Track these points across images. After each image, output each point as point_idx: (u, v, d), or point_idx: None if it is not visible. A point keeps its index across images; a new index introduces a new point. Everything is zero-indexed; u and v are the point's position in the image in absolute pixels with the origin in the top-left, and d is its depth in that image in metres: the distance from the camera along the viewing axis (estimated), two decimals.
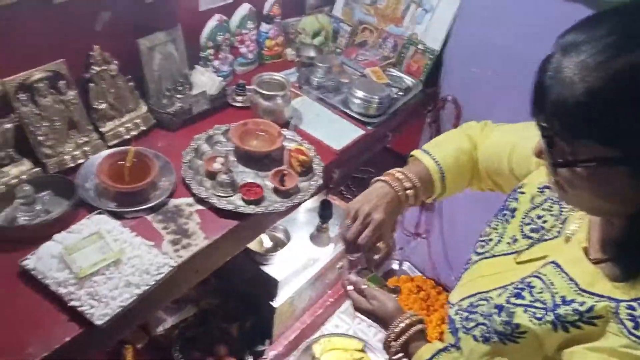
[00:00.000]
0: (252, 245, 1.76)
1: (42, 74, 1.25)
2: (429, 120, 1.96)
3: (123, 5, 1.35)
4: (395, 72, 1.83)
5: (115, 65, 1.38)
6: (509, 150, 1.06)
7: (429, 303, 2.17)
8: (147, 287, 1.06)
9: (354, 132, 1.59)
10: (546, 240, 0.88)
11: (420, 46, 1.81)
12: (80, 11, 1.26)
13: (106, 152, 1.34)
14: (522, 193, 0.96)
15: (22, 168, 1.23)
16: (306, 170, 1.41)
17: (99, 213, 1.19)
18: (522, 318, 0.78)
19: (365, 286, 1.07)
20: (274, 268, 1.73)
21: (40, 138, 1.26)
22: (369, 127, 1.63)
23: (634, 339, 0.67)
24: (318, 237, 1.65)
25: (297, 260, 1.79)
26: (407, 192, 1.10)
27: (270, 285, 1.72)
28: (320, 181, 1.39)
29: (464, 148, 1.15)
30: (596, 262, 0.76)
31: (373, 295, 1.05)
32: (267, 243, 1.81)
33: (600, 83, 0.61)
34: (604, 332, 0.70)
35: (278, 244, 1.82)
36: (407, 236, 2.28)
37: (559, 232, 0.87)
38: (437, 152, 1.14)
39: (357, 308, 1.07)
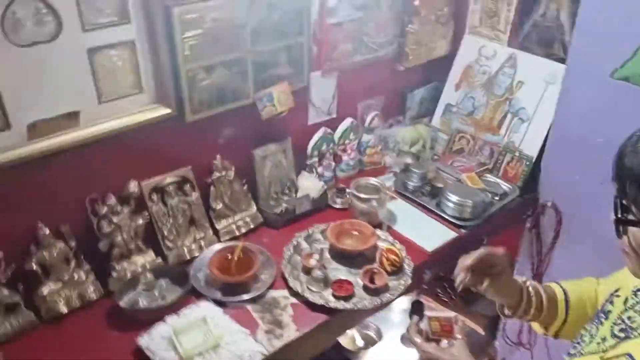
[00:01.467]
0: (344, 342, 1.80)
1: (173, 178, 1.49)
2: (529, 226, 1.93)
3: (242, 122, 1.59)
4: (491, 178, 1.87)
5: (233, 171, 1.60)
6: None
7: None
8: None
9: (447, 235, 1.63)
10: (630, 338, 0.88)
11: (517, 153, 1.85)
12: (207, 127, 1.51)
13: (218, 245, 1.52)
14: (618, 296, 0.99)
15: (147, 258, 1.44)
16: (397, 270, 1.46)
17: (206, 300, 1.34)
18: None
19: None
20: None
21: (165, 232, 1.47)
22: (463, 230, 1.66)
23: None
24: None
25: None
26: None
27: None
28: (410, 281, 1.43)
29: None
30: None
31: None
32: (359, 341, 1.84)
33: None
34: None
35: (369, 342, 1.84)
36: (509, 345, 2.17)
37: None
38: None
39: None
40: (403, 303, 1.64)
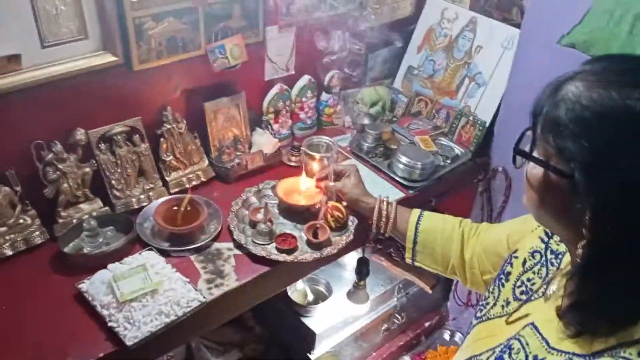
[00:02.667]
0: (295, 297, 1.85)
1: (121, 128, 1.48)
2: (480, 189, 1.98)
3: (194, 74, 1.58)
4: (445, 141, 1.90)
5: (184, 124, 1.60)
6: (507, 233, 1.15)
7: None
8: (176, 318, 1.19)
9: (395, 195, 1.66)
10: (532, 300, 0.92)
11: (471, 117, 1.88)
12: (156, 77, 1.50)
13: (165, 197, 1.53)
14: (516, 257, 1.01)
15: (94, 206, 1.45)
16: (341, 226, 1.50)
17: (150, 249, 1.36)
18: None
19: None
20: (313, 321, 1.80)
21: (113, 182, 1.48)
22: (411, 192, 1.70)
23: None
24: (355, 294, 1.70)
25: (337, 315, 1.85)
26: (380, 223, 1.42)
27: (308, 337, 1.79)
28: (352, 237, 1.47)
29: (450, 236, 1.33)
30: (559, 313, 0.81)
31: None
32: (310, 296, 1.89)
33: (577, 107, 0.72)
34: None
35: (320, 298, 1.89)
36: (459, 306, 2.25)
37: (543, 292, 0.91)
38: (427, 224, 1.36)
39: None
40: (355, 260, 1.68)
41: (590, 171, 0.70)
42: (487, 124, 1.85)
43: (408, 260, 1.42)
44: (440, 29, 1.98)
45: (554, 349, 0.79)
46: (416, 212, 1.40)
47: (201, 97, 1.61)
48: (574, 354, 0.76)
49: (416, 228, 1.37)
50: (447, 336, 2.37)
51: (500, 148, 1.89)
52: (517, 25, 1.77)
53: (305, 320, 1.80)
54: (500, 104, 1.83)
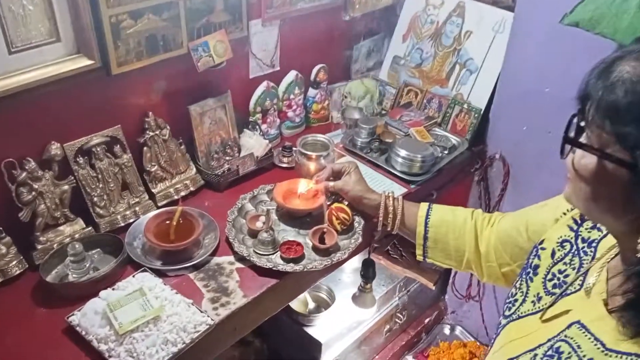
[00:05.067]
0: (296, 306, 1.75)
1: (100, 139, 1.35)
2: (477, 179, 1.92)
3: (176, 75, 1.45)
4: (440, 132, 1.83)
5: (168, 130, 1.47)
6: (525, 222, 1.09)
7: None
8: (184, 345, 1.08)
9: (397, 191, 1.58)
10: (568, 294, 0.86)
11: (465, 105, 1.81)
12: (136, 81, 1.37)
13: (155, 212, 1.40)
14: (543, 249, 0.96)
15: (76, 227, 1.31)
16: (347, 228, 1.41)
17: (144, 271, 1.24)
18: None
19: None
20: (317, 330, 1.70)
21: (95, 199, 1.34)
22: (412, 186, 1.62)
23: None
24: (361, 297, 1.61)
25: (342, 322, 1.76)
26: (387, 220, 1.34)
27: (313, 348, 1.69)
28: (361, 239, 1.38)
29: (462, 229, 1.25)
30: (613, 311, 0.75)
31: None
32: (311, 304, 1.79)
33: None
34: None
35: (322, 305, 1.80)
36: (459, 299, 2.20)
37: (580, 285, 0.85)
38: (437, 218, 1.28)
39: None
40: (354, 263, 1.59)
41: None
42: (482, 111, 1.79)
43: (419, 258, 1.33)
44: (426, 15, 1.91)
45: (611, 350, 0.72)
46: (424, 205, 1.32)
47: (185, 100, 1.48)
48: (636, 355, 0.70)
49: (426, 222, 1.29)
50: (447, 330, 2.32)
51: (497, 135, 1.84)
52: (508, 8, 1.72)
53: (309, 330, 1.70)
54: (494, 90, 1.78)
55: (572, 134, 0.74)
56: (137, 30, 1.27)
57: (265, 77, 1.70)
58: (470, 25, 1.81)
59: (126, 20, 1.24)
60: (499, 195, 1.91)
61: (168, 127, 1.47)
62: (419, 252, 1.32)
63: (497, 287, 2.08)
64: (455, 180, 1.84)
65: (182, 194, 1.50)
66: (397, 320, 2.05)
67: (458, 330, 2.31)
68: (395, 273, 1.98)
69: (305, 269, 1.28)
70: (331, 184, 1.41)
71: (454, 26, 1.85)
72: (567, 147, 0.75)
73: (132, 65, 1.31)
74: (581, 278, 0.86)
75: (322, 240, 1.35)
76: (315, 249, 1.35)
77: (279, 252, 1.32)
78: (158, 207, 1.45)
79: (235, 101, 1.61)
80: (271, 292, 1.26)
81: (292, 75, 1.76)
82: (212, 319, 1.14)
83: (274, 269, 1.27)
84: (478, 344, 2.19)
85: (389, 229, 1.36)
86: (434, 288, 1.97)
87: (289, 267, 1.28)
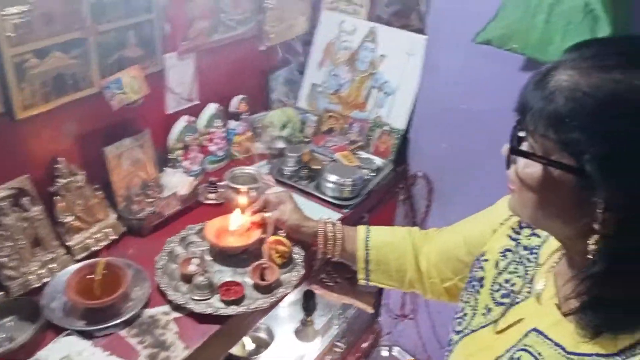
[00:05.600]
0: (234, 350, 1.66)
1: (5, 191, 1.20)
2: (402, 198, 1.96)
3: (89, 115, 1.35)
4: (364, 155, 1.85)
5: (82, 176, 1.35)
6: (462, 236, 1.10)
7: None
8: None
9: (331, 217, 1.56)
10: (518, 302, 0.87)
11: (386, 127, 1.85)
12: (44, 125, 1.25)
13: (74, 266, 1.27)
14: (486, 260, 0.97)
15: None
16: (287, 261, 1.36)
17: (68, 334, 1.11)
18: None
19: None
20: None
21: (3, 260, 1.19)
22: (345, 210, 1.61)
23: None
24: (303, 331, 1.56)
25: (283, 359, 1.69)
26: (327, 247, 1.31)
27: None
28: (303, 271, 1.34)
29: (402, 248, 1.25)
30: (567, 314, 0.77)
31: None
32: (250, 345, 1.71)
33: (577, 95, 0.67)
34: None
35: (261, 345, 1.72)
36: (394, 319, 2.20)
37: (529, 292, 0.86)
38: (376, 240, 1.27)
39: None
40: (290, 296, 1.53)
41: (604, 161, 0.66)
42: (402, 132, 1.83)
43: (361, 281, 1.31)
44: (340, 42, 1.94)
45: (573, 353, 0.74)
46: (362, 228, 1.31)
47: (101, 142, 1.38)
48: (597, 355, 0.71)
49: (366, 245, 1.27)
50: (385, 353, 2.32)
51: (418, 154, 1.89)
52: (418, 30, 1.78)
53: None
54: (413, 110, 1.83)
55: (514, 144, 0.76)
56: (43, 70, 1.16)
57: (184, 111, 1.63)
58: (383, 50, 1.86)
59: (31, 59, 1.12)
60: (424, 212, 1.96)
61: (83, 172, 1.35)
62: (361, 275, 1.30)
63: (430, 302, 2.11)
64: (383, 201, 1.86)
65: (103, 243, 1.38)
66: (337, 349, 2.02)
67: (396, 350, 2.31)
68: (331, 301, 1.95)
69: (249, 309, 1.21)
70: (267, 214, 1.37)
71: (368, 51, 1.89)
72: (512, 157, 0.77)
73: (40, 108, 1.19)
74: (528, 285, 0.87)
75: (262, 276, 1.29)
76: (256, 286, 1.28)
77: (217, 295, 1.24)
78: (77, 261, 1.31)
79: (154, 138, 1.52)
80: (214, 339, 1.18)
81: (212, 108, 1.70)
82: None
83: (215, 314, 1.19)
84: None
85: (329, 255, 1.33)
86: (372, 311, 1.96)
87: (231, 310, 1.20)
